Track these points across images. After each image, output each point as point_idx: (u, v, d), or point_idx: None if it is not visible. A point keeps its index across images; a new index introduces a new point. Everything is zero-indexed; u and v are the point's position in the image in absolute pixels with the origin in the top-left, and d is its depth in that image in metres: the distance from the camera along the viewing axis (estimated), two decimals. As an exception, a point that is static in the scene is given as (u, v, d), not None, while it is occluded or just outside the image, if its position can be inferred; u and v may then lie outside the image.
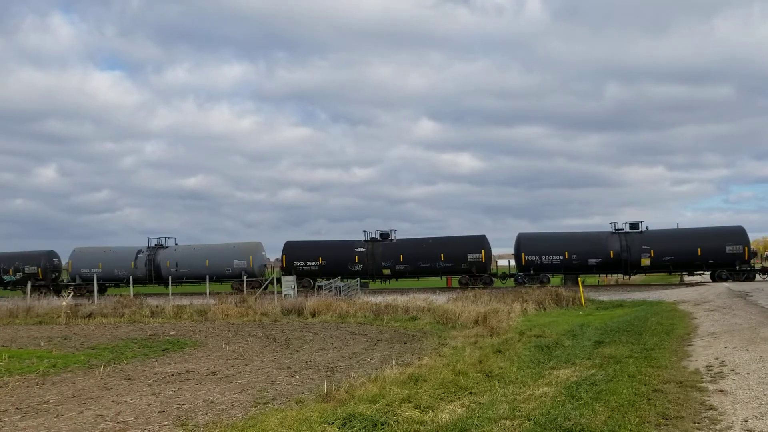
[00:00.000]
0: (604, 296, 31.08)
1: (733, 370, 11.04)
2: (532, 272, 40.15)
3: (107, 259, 45.11)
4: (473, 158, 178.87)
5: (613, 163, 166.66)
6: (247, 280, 39.03)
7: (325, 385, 10.31)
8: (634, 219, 42.30)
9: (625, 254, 39.57)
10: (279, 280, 43.01)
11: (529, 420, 8.01)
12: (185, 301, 29.87)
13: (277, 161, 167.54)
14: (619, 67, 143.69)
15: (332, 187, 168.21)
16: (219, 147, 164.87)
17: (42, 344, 18.23)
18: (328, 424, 7.99)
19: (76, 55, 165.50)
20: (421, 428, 7.95)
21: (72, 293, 34.96)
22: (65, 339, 19.49)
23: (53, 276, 46.25)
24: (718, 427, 7.70)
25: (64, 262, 47.59)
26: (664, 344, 14.67)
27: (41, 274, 45.25)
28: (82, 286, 43.32)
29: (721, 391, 9.59)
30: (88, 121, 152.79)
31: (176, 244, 46.05)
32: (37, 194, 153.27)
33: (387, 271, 42.24)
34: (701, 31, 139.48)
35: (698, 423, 7.88)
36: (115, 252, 46.08)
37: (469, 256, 41.23)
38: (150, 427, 8.72)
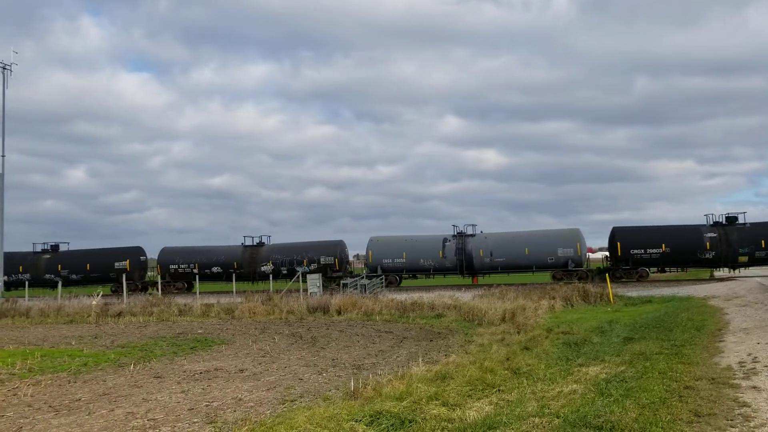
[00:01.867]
0: (633, 292, 30.72)
1: (766, 366, 10.85)
2: None
3: (412, 249, 42.28)
4: (498, 154, 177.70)
5: (641, 158, 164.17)
6: (571, 270, 37.15)
7: (352, 383, 10.32)
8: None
9: None
10: (608, 270, 39.69)
11: (558, 417, 7.94)
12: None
13: (302, 160, 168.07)
14: (647, 60, 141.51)
15: (356, 185, 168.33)
16: (244, 146, 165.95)
17: (73, 343, 18.50)
18: (356, 421, 7.98)
19: (105, 57, 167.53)
20: (449, 426, 7.91)
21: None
22: (96, 338, 19.77)
23: (345, 267, 44.63)
24: (751, 424, 7.57)
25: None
26: (695, 340, 14.46)
27: (337, 265, 43.46)
28: (383, 277, 41.02)
29: (754, 387, 9.43)
30: (116, 122, 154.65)
31: (482, 232, 42.66)
32: (66, 195, 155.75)
33: (744, 259, 38.82)
34: (733, 23, 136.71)
35: (731, 420, 7.76)
36: (419, 241, 43.14)
37: None
38: (180, 424, 8.80)
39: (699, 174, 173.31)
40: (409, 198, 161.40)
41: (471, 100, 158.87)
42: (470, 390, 9.95)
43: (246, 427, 8.10)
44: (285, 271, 43.12)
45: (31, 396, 11.11)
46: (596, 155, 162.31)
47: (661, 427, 7.36)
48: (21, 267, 45.65)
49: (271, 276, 40.90)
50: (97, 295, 29.04)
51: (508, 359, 12.58)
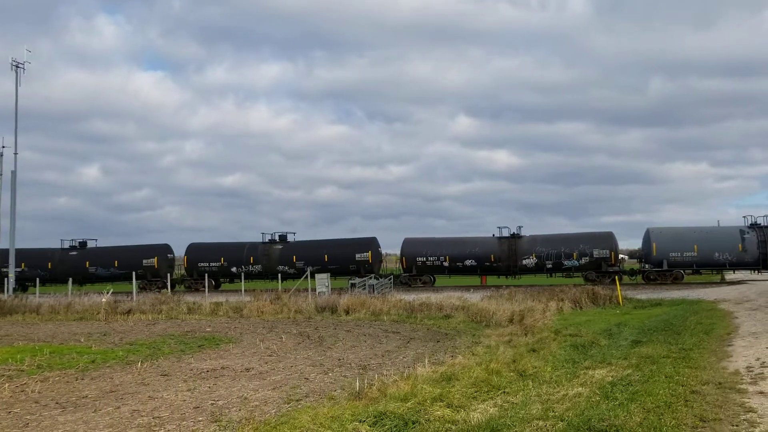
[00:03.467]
0: (642, 295, 30.57)
1: (774, 372, 10.77)
2: None
3: (704, 241, 38.79)
4: (511, 155, 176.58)
5: (655, 160, 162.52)
6: None
7: (358, 383, 10.33)
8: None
9: None
10: None
11: (562, 420, 7.91)
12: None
13: (314, 159, 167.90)
14: (664, 61, 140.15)
15: (368, 185, 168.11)
16: (257, 145, 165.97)
17: (82, 340, 18.62)
18: (360, 422, 7.99)
19: (121, 55, 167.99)
20: (453, 427, 7.90)
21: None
22: (104, 335, 19.89)
23: (618, 261, 41.18)
24: (757, 430, 7.52)
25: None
26: (703, 344, 14.38)
27: (612, 259, 39.99)
28: (667, 273, 38.61)
29: (761, 392, 9.37)
30: (131, 120, 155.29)
31: None
32: (80, 193, 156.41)
33: None
34: (750, 24, 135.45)
35: (736, 426, 7.71)
36: (712, 232, 39.67)
37: None
38: (185, 422, 8.84)
39: (713, 177, 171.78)
40: (421, 198, 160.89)
41: (484, 99, 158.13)
42: (475, 392, 9.93)
43: (250, 426, 8.13)
44: (550, 265, 40.57)
45: (39, 392, 11.19)
46: (610, 157, 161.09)
47: (666, 432, 7.33)
48: (252, 258, 44.31)
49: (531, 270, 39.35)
50: (107, 293, 29.20)
51: (514, 361, 12.54)
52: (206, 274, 39.95)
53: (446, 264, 41.57)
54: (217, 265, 44.81)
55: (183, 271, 47.03)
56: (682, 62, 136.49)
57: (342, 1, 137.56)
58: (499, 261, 41.39)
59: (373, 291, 30.57)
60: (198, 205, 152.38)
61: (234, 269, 44.34)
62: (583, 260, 40.06)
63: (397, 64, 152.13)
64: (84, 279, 45.05)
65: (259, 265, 44.06)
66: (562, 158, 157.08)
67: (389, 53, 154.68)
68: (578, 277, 40.70)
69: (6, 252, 41.58)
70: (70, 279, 37.38)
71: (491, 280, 41.39)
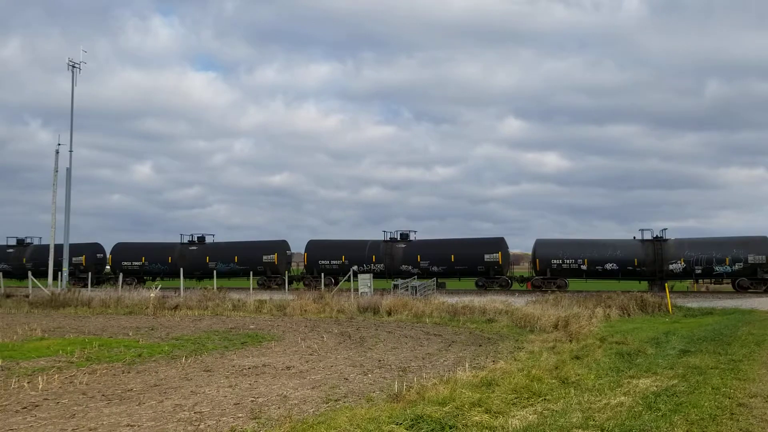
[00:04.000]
0: (693, 303, 29.83)
1: (828, 387, 10.38)
2: None
3: None
4: (560, 158, 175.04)
5: (710, 164, 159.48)
6: None
7: (396, 385, 10.32)
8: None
9: None
10: None
11: (602, 430, 7.76)
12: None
13: (360, 159, 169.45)
14: (720, 63, 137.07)
15: (414, 186, 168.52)
16: (304, 145, 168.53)
17: (130, 334, 19.08)
18: (396, 424, 7.98)
19: (174, 56, 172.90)
20: (490, 433, 7.83)
21: None
22: (152, 329, 20.34)
23: None
24: (807, 447, 7.25)
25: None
26: (754, 355, 13.94)
27: None
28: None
29: (813, 408, 9.02)
30: (183, 120, 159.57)
31: None
32: (133, 190, 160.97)
33: None
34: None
35: (785, 442, 7.45)
36: None
37: None
38: (225, 418, 8.96)
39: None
40: (466, 200, 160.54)
41: (534, 101, 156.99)
42: (515, 398, 9.82)
43: (288, 425, 8.19)
44: (699, 271, 38.93)
45: (86, 384, 11.50)
46: (663, 161, 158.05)
47: (710, 446, 7.12)
48: (374, 257, 43.86)
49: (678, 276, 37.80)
50: (156, 288, 29.84)
51: (557, 368, 12.36)
52: (325, 272, 39.71)
53: (584, 267, 39.93)
54: (337, 263, 44.09)
55: (303, 269, 46.28)
56: (740, 64, 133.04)
57: (392, 2, 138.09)
58: (643, 266, 39.50)
59: (416, 293, 30.52)
60: (246, 203, 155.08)
61: (355, 268, 43.02)
62: (737, 266, 37.70)
63: (446, 66, 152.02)
64: (203, 274, 45.29)
65: (382, 264, 43.24)
66: (613, 162, 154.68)
67: (438, 54, 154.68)
68: (728, 283, 38.88)
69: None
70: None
71: (633, 285, 39.25)
